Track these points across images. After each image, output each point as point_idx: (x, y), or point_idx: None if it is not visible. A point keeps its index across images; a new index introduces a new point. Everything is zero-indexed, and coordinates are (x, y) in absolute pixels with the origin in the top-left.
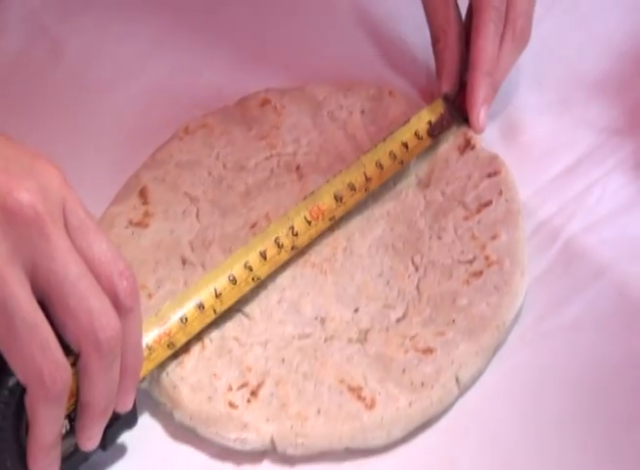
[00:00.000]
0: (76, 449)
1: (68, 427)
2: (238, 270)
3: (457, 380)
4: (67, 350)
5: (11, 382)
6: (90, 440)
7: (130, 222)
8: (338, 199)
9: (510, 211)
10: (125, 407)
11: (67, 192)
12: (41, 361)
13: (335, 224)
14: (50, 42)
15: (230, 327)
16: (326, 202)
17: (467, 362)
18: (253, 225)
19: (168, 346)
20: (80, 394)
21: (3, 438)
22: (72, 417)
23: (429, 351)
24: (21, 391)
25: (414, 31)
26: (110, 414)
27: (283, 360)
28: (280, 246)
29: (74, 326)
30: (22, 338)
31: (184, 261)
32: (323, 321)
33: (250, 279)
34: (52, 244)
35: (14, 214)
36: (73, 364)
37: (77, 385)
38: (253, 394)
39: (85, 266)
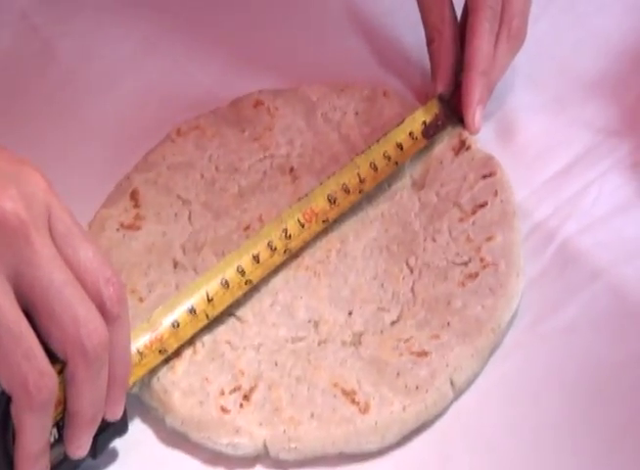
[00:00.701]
0: (66, 458)
1: (56, 435)
2: (230, 274)
3: (452, 383)
4: (53, 358)
5: None
6: (79, 448)
7: (121, 225)
8: (331, 201)
9: (505, 213)
10: (115, 416)
11: (52, 199)
12: (26, 370)
13: (329, 226)
14: (41, 43)
15: (222, 331)
16: (319, 204)
17: (462, 365)
18: (247, 228)
19: (160, 351)
20: (68, 402)
21: None
22: (61, 425)
23: (423, 354)
24: (6, 400)
25: (409, 31)
26: (98, 423)
27: (276, 364)
28: (273, 249)
29: (60, 334)
30: (7, 347)
31: (176, 265)
32: (316, 324)
33: (242, 283)
34: (36, 252)
35: None
36: (60, 372)
37: (65, 393)
38: (246, 398)
39: (71, 274)
